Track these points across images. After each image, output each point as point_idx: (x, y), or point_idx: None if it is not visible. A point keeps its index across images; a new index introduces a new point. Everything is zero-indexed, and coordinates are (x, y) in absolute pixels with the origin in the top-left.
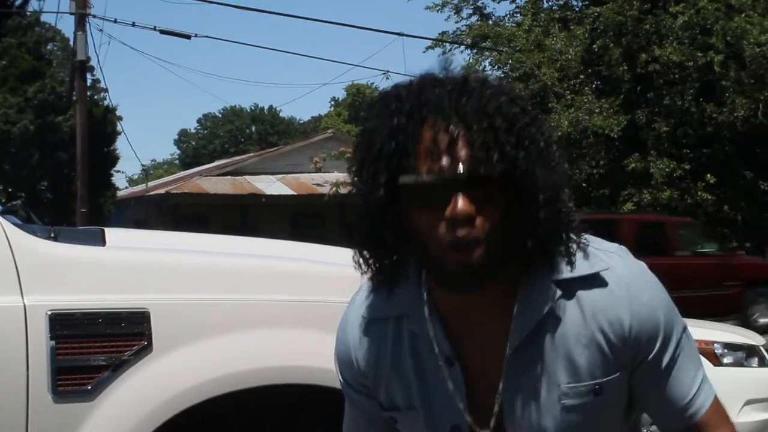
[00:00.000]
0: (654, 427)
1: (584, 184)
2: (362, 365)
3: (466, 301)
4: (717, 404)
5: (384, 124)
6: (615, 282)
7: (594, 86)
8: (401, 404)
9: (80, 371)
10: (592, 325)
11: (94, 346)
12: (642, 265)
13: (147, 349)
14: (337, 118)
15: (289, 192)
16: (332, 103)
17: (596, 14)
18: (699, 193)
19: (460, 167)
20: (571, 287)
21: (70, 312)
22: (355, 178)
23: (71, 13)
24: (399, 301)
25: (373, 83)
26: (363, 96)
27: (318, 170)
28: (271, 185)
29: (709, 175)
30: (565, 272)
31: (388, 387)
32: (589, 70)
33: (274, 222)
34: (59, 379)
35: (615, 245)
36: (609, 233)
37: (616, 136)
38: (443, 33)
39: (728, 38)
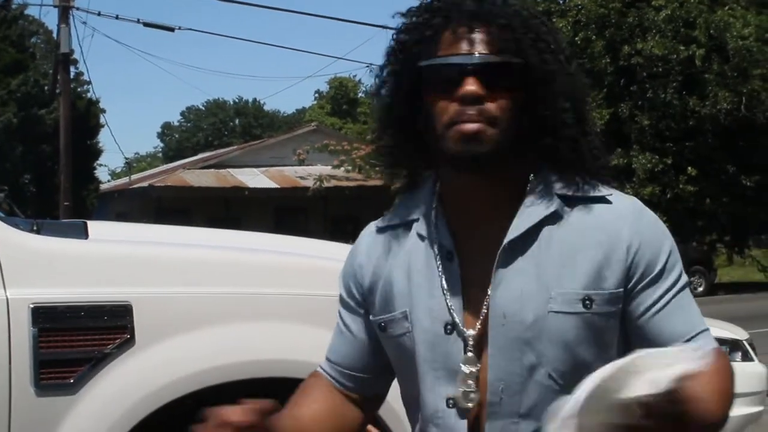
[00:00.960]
0: None
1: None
2: (362, 270)
3: (473, 202)
4: (719, 351)
5: (411, 20)
6: (621, 204)
7: None
8: (393, 306)
9: (63, 364)
10: (591, 237)
11: (76, 340)
12: (649, 210)
13: (129, 342)
14: (320, 111)
15: (273, 185)
16: (316, 96)
17: (579, 7)
18: (681, 185)
19: (475, 53)
20: (575, 202)
21: (53, 305)
22: (383, 76)
23: (55, 6)
24: (410, 209)
25: (356, 75)
26: (346, 89)
27: (301, 163)
28: (255, 178)
29: (690, 168)
30: (573, 189)
31: (384, 289)
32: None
33: (257, 215)
34: (42, 372)
35: (629, 196)
36: None
37: (599, 129)
38: None
39: (711, 31)
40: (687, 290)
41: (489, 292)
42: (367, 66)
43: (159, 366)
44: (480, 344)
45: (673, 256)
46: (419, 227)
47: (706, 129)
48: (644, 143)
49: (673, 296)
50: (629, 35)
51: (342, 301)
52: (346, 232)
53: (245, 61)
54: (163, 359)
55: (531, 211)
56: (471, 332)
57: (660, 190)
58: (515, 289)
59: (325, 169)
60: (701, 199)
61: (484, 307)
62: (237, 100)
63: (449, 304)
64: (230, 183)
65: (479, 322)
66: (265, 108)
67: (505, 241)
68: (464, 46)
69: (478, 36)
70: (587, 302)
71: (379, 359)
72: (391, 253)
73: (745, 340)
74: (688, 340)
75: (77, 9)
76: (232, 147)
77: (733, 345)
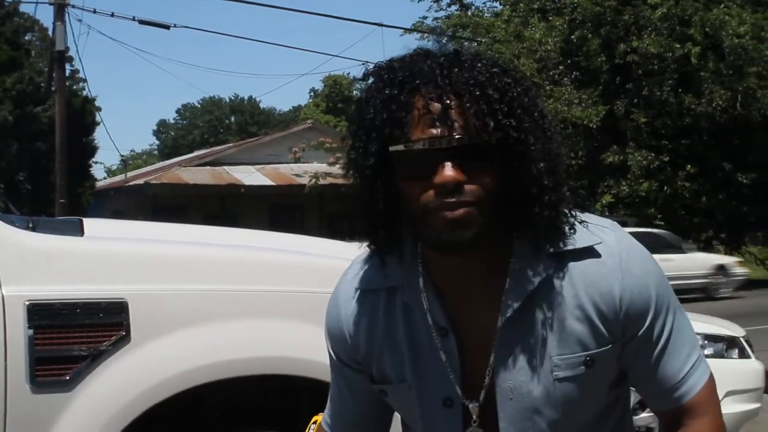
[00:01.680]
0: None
1: (564, 175)
2: (354, 338)
3: (460, 271)
4: (708, 389)
5: (377, 94)
6: (607, 255)
7: (573, 77)
8: (392, 377)
9: (58, 361)
10: (583, 297)
11: (72, 337)
12: (633, 240)
13: (125, 339)
14: (315, 109)
15: (269, 182)
16: (311, 94)
17: (575, 5)
18: (679, 182)
19: (449, 135)
20: (563, 259)
21: (49, 302)
22: (350, 150)
23: (50, 3)
24: (392, 273)
25: (350, 74)
26: (340, 87)
27: (297, 160)
28: (251, 175)
29: (689, 166)
30: (558, 245)
31: (379, 360)
32: (569, 61)
33: (253, 212)
34: (37, 369)
35: (608, 220)
36: None
37: (594, 127)
38: (423, 18)
39: (707, 29)
40: (678, 319)
41: (490, 364)
42: (362, 63)
43: (154, 363)
44: (483, 416)
45: (660, 296)
46: (406, 296)
47: (702, 127)
48: (640, 141)
49: (668, 337)
50: (625, 33)
51: (335, 365)
52: (342, 230)
53: (241, 59)
54: (158, 356)
55: (520, 285)
56: (475, 404)
57: (657, 185)
58: (519, 362)
59: (320, 167)
60: (698, 197)
61: (486, 378)
62: (233, 98)
63: (449, 378)
64: (226, 180)
65: (482, 393)
66: (261, 105)
67: (500, 323)
68: (438, 127)
69: (452, 113)
70: (589, 362)
71: (382, 416)
72: (380, 322)
73: (742, 337)
74: (681, 379)
75: (72, 6)
76: (228, 144)
77: (729, 342)
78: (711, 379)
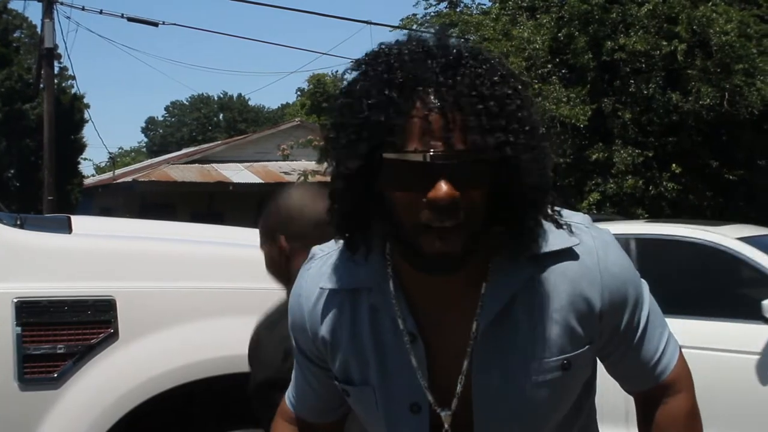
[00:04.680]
0: None
1: (551, 174)
2: (318, 336)
3: (434, 279)
4: (681, 363)
5: (373, 93)
6: (585, 255)
7: (561, 75)
8: (356, 379)
9: (46, 359)
10: (563, 300)
11: (60, 334)
12: (608, 235)
13: (113, 336)
14: (301, 109)
15: (257, 180)
16: (298, 93)
17: (562, 2)
18: (665, 182)
19: (450, 150)
20: (542, 262)
21: (37, 299)
22: (334, 145)
23: (39, 0)
24: (359, 274)
25: (337, 71)
26: (324, 86)
27: (285, 158)
28: (239, 173)
29: (674, 165)
30: (536, 248)
31: (343, 360)
32: (557, 59)
33: (241, 210)
34: (26, 366)
35: (580, 215)
36: None
37: (582, 125)
38: (413, 16)
39: (694, 27)
40: (651, 305)
41: (463, 371)
42: (351, 61)
43: (142, 360)
44: (456, 423)
45: (636, 290)
46: (374, 298)
47: (689, 124)
48: (627, 138)
49: (644, 326)
50: (612, 31)
51: (299, 356)
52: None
53: (230, 57)
54: (146, 354)
55: (500, 289)
56: (447, 412)
57: (643, 183)
58: (496, 367)
59: (309, 165)
60: (685, 194)
61: (459, 385)
62: (222, 95)
63: (418, 384)
64: (214, 178)
65: (454, 400)
66: (250, 103)
67: (480, 327)
68: (438, 139)
69: (453, 125)
70: (566, 364)
71: (344, 401)
72: (345, 323)
73: None
74: (658, 359)
75: (61, 4)
76: (216, 142)
77: None
78: (681, 354)
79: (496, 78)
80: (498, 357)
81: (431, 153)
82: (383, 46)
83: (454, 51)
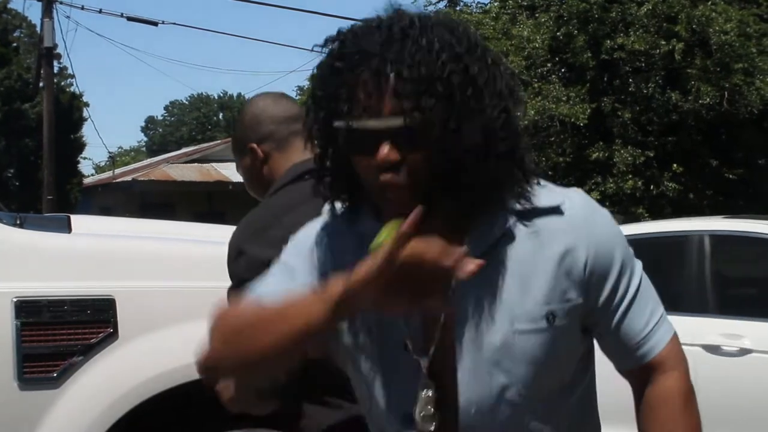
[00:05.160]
0: None
1: (550, 173)
2: (320, 271)
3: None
4: (674, 344)
5: (325, 67)
6: (572, 212)
7: (561, 74)
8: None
9: (46, 358)
10: (547, 251)
11: (60, 334)
12: (597, 204)
13: (113, 336)
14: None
15: None
16: (297, 91)
17: (562, 1)
18: (666, 182)
19: (383, 117)
20: (527, 216)
21: (36, 299)
22: (305, 119)
23: (38, 0)
24: (364, 224)
25: None
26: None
27: None
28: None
29: (675, 165)
30: (523, 203)
31: None
32: (556, 58)
33: (241, 209)
34: (25, 366)
35: (572, 188)
36: None
37: (582, 124)
38: None
39: (694, 26)
40: (642, 280)
41: (441, 318)
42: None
43: (142, 360)
44: (439, 371)
45: (626, 255)
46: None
47: (689, 123)
48: (627, 137)
49: (632, 296)
50: (612, 30)
51: (283, 267)
52: None
53: (230, 56)
54: (145, 353)
55: (482, 235)
56: (425, 359)
57: (643, 183)
58: (477, 314)
59: None
60: (685, 194)
61: (438, 329)
62: (221, 95)
63: (405, 326)
64: (214, 177)
65: (433, 345)
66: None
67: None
68: (374, 107)
69: (389, 93)
70: (550, 317)
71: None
72: (348, 264)
73: None
74: (645, 336)
75: (61, 3)
76: (216, 141)
77: None
78: (675, 336)
79: (438, 46)
80: (478, 303)
81: (367, 120)
82: (348, 27)
83: (407, 20)
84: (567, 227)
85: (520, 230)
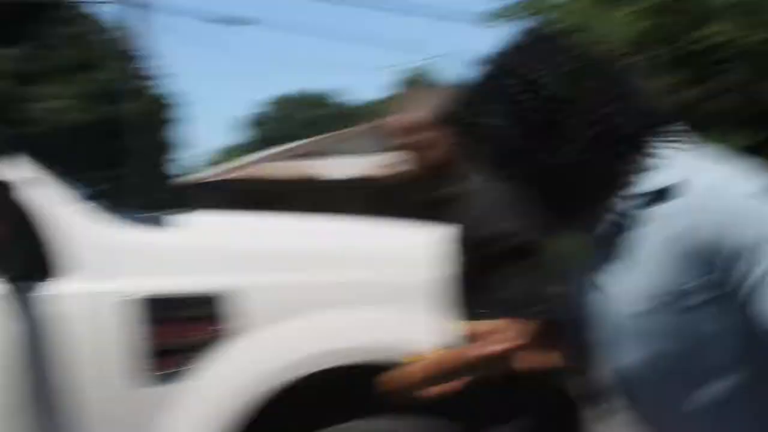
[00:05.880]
0: None
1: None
2: None
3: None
4: None
5: None
6: (696, 191)
7: (643, 68)
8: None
9: (169, 354)
10: (668, 231)
11: (182, 330)
12: (735, 178)
13: (232, 331)
14: (394, 104)
15: (360, 174)
16: (391, 89)
17: None
18: None
19: None
20: (648, 198)
21: (159, 296)
22: None
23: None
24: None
25: (428, 68)
26: (422, 80)
27: (385, 152)
28: (343, 168)
29: None
30: (646, 184)
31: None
32: (637, 52)
33: (346, 204)
34: (149, 363)
35: (713, 163)
36: None
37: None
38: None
39: None
40: None
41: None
42: (441, 57)
43: (263, 354)
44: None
45: (761, 237)
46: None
47: None
48: (729, 125)
49: (759, 280)
50: (692, 21)
51: None
52: (434, 218)
53: (333, 53)
54: (266, 347)
55: (607, 220)
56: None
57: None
58: (601, 293)
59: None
60: None
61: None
62: (320, 92)
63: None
64: (316, 174)
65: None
66: (348, 99)
67: (595, 238)
68: None
69: None
70: (678, 294)
71: None
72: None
73: None
74: None
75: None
76: (317, 137)
77: None
78: None
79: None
80: (604, 284)
81: None
82: None
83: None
84: (687, 208)
85: (643, 212)
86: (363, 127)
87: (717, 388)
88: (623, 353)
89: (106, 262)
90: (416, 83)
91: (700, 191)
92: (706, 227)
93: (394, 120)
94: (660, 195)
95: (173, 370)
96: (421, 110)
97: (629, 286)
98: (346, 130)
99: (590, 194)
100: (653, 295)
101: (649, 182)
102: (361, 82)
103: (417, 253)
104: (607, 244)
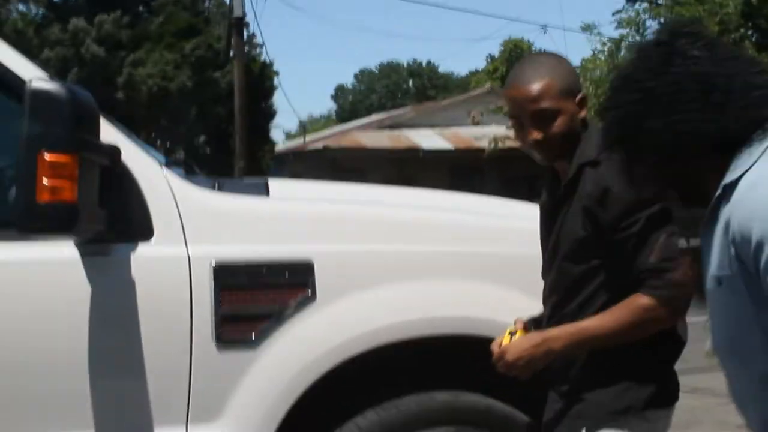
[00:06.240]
0: None
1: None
2: None
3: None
4: None
5: None
6: (741, 184)
7: (754, 40)
8: None
9: (244, 320)
10: (721, 220)
11: (257, 296)
12: None
13: (311, 299)
14: (490, 75)
15: (448, 146)
16: (488, 59)
17: None
18: None
19: None
20: (726, 189)
21: (235, 262)
22: None
23: None
24: None
25: (529, 39)
26: (521, 50)
27: (476, 124)
28: (429, 139)
29: None
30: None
31: None
32: (750, 23)
33: (432, 176)
34: (223, 328)
35: None
36: None
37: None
38: None
39: None
40: None
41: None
42: (541, 27)
43: (339, 323)
44: None
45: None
46: None
47: None
48: None
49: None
50: None
51: None
52: (521, 193)
53: (419, 24)
54: (343, 316)
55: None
56: None
57: None
58: (705, 263)
59: (499, 131)
60: None
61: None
62: (411, 63)
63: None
64: (404, 144)
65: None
66: (439, 70)
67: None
68: None
69: None
70: (718, 279)
71: None
72: None
73: None
74: None
75: None
76: (406, 108)
77: None
78: None
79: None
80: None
81: None
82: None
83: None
84: (732, 199)
85: (719, 200)
86: (457, 98)
87: (761, 370)
88: (713, 324)
89: (200, 227)
90: (521, 54)
91: (742, 187)
92: (737, 221)
93: (516, 90)
94: (732, 186)
95: (244, 337)
96: (543, 80)
97: (706, 266)
98: (434, 102)
99: (714, 167)
100: (713, 276)
101: (734, 170)
102: (459, 51)
103: (508, 228)
104: (706, 224)
